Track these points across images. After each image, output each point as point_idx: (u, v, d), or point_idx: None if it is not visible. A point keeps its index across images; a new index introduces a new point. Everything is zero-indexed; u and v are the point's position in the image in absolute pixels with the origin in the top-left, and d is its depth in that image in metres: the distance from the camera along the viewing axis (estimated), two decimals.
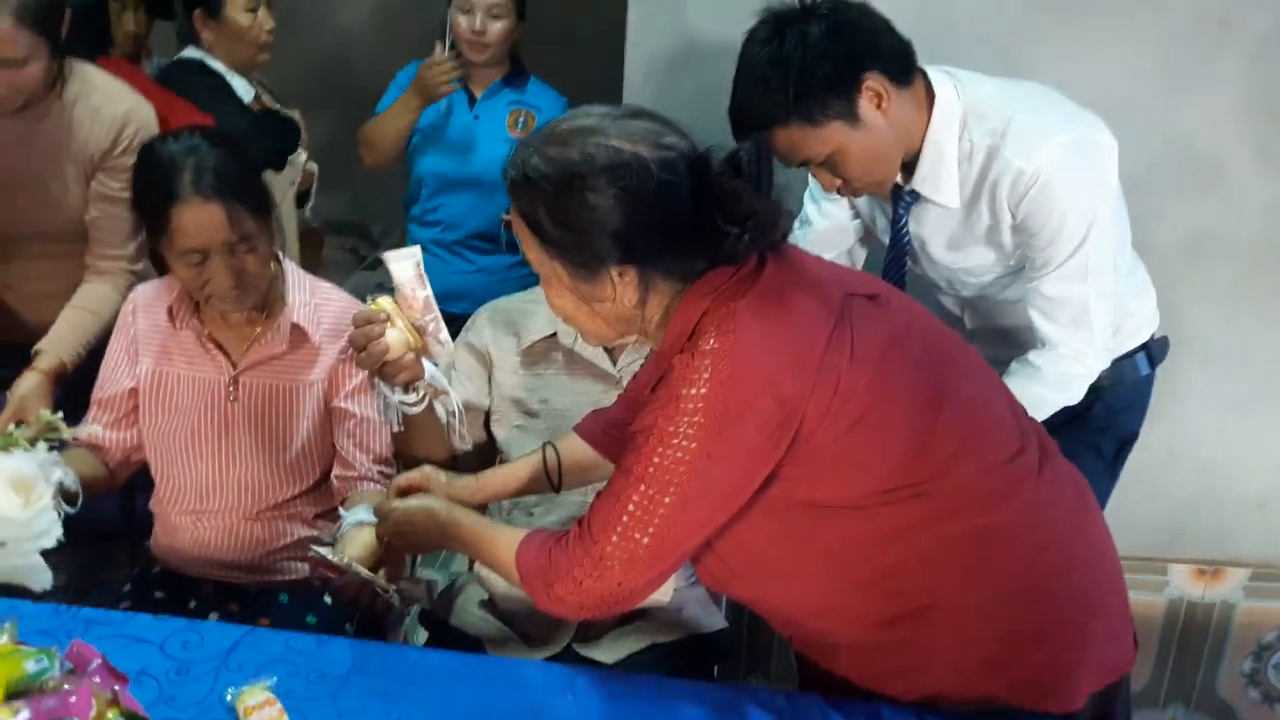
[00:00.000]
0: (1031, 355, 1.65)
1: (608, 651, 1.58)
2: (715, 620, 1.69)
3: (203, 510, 1.69)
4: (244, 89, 2.43)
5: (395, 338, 1.41)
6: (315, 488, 1.70)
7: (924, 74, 1.60)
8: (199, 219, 1.49)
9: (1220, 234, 2.10)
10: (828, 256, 1.81)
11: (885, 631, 1.19)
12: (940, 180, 1.61)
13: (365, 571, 1.39)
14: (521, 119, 2.48)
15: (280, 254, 1.68)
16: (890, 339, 1.15)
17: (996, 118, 1.56)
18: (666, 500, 1.11)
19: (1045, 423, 1.75)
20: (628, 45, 2.10)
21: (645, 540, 1.12)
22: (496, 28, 2.41)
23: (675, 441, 1.09)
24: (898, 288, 1.75)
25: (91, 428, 1.65)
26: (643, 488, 1.12)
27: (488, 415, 1.73)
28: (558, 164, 1.11)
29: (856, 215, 1.84)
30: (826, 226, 1.86)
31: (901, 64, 1.56)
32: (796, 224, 1.90)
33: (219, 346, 1.65)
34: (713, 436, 1.08)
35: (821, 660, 1.27)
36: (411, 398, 1.47)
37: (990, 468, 1.17)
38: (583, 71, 2.46)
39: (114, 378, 1.69)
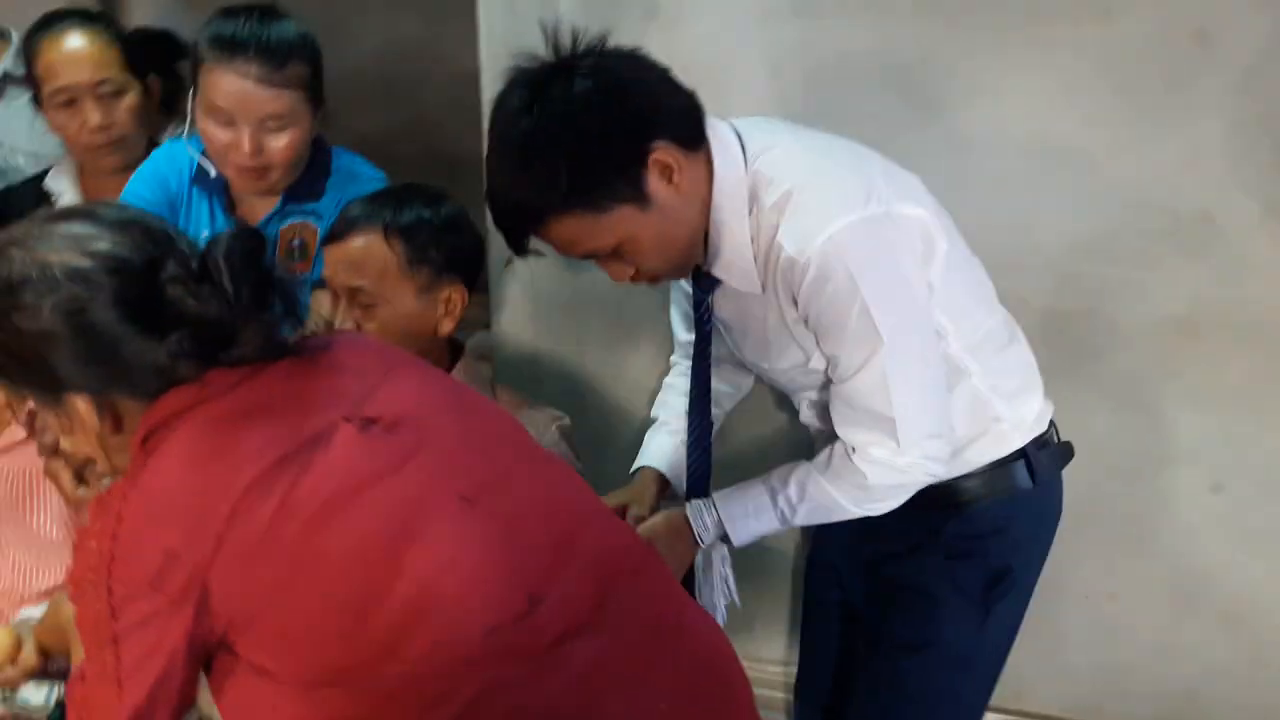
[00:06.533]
0: (835, 448, 1.28)
1: None
2: None
3: None
4: None
5: None
6: None
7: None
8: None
9: (1222, 312, 1.59)
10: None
11: None
12: (734, 263, 1.26)
13: None
14: (297, 240, 1.65)
15: None
16: (362, 480, 0.96)
17: (781, 190, 1.21)
18: (109, 658, 0.96)
19: (888, 548, 1.38)
20: (484, 98, 1.83)
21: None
22: (280, 144, 1.53)
23: (87, 596, 0.96)
24: (703, 381, 1.41)
25: None
26: (83, 640, 0.99)
27: None
28: None
29: None
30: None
31: (689, 123, 1.23)
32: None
33: None
34: (105, 596, 0.94)
35: None
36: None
37: (458, 643, 0.94)
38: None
39: None
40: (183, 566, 0.92)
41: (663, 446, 1.47)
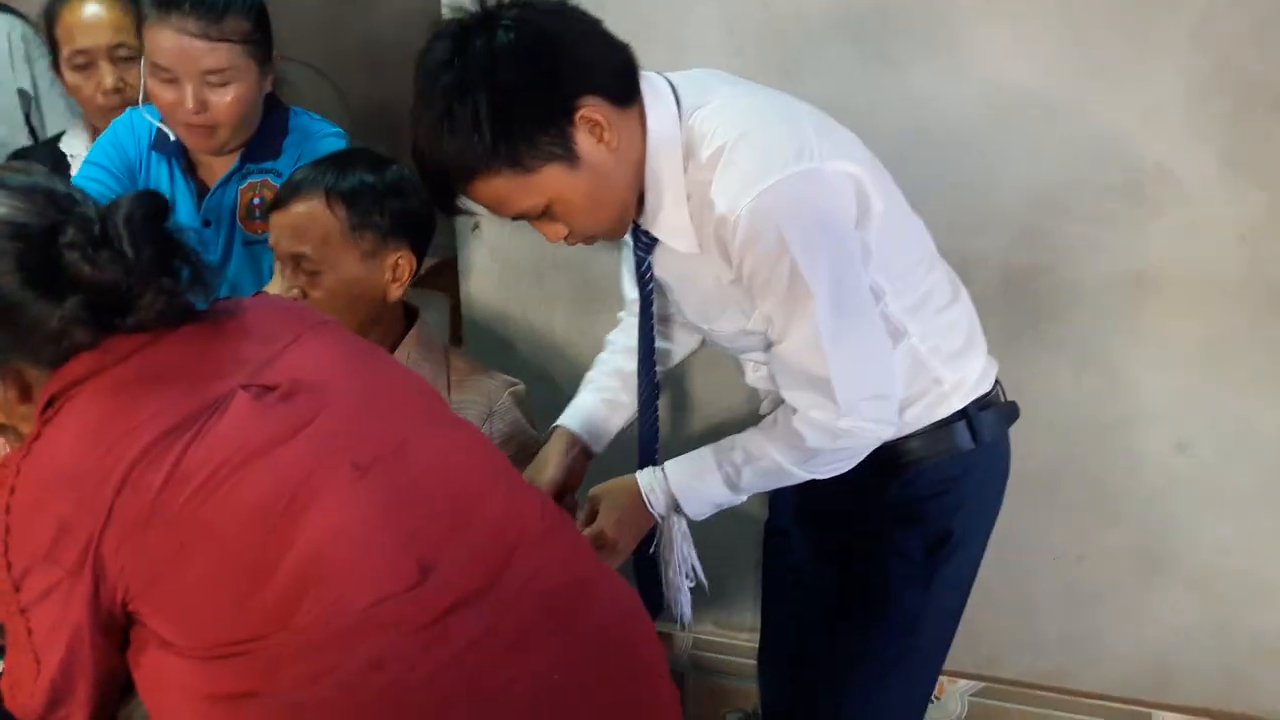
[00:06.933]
0: (780, 411, 1.26)
1: None
2: None
3: None
4: None
5: None
6: None
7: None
8: None
9: (1180, 268, 1.56)
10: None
11: None
12: (669, 221, 1.23)
13: None
14: (257, 199, 1.64)
15: None
16: (252, 449, 0.94)
17: (714, 146, 1.17)
18: (21, 630, 0.95)
19: (832, 512, 1.35)
20: None
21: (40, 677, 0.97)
22: (224, 100, 1.54)
23: None
24: (648, 342, 1.39)
25: None
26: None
27: None
28: None
29: None
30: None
31: (621, 79, 1.19)
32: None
33: None
34: (5, 570, 0.93)
35: None
36: None
37: (347, 613, 0.92)
38: None
39: None
40: (76, 538, 0.91)
41: (583, 405, 1.44)
